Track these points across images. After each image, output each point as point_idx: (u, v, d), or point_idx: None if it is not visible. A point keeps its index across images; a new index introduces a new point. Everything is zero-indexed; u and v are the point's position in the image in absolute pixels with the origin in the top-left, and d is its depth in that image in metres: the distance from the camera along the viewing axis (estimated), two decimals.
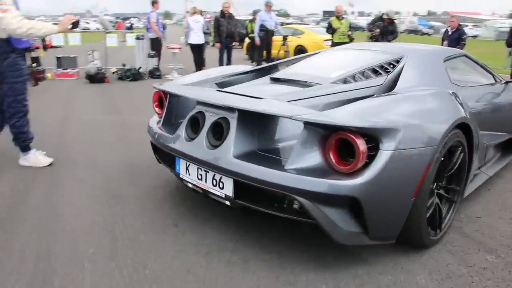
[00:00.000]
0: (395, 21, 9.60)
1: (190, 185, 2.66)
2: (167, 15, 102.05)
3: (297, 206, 2.19)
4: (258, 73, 3.70)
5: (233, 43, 10.65)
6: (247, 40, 14.72)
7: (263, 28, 10.46)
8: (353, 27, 10.65)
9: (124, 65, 10.25)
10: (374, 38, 9.10)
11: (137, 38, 10.54)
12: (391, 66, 3.12)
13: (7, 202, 3.09)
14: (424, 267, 2.37)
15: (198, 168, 2.53)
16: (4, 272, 2.23)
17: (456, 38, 8.85)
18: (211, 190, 2.48)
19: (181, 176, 2.71)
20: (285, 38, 11.56)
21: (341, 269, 2.33)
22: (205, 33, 10.28)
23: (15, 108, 3.66)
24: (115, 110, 6.51)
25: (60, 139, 4.77)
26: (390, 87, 2.85)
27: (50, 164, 3.86)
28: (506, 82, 3.85)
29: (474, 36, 39.07)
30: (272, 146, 2.51)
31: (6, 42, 3.48)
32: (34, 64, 8.90)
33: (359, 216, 2.14)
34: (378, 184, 2.06)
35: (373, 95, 2.72)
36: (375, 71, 3.09)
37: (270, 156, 2.39)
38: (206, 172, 2.48)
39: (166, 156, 2.88)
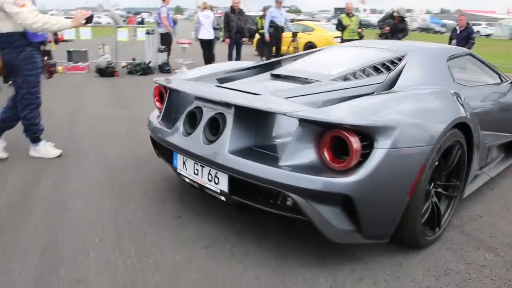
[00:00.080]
0: (405, 19, 9.56)
1: (187, 180, 2.68)
2: (178, 10, 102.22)
3: (290, 203, 2.19)
4: (261, 69, 3.69)
5: (243, 39, 10.68)
6: (257, 36, 14.72)
7: (273, 24, 10.46)
8: (364, 25, 10.64)
9: (134, 59, 10.35)
10: (384, 36, 9.08)
11: (147, 32, 10.62)
12: (393, 64, 3.09)
13: (18, 191, 3.17)
14: (422, 263, 2.40)
15: (194, 163, 2.55)
16: (11, 259, 2.30)
17: (464, 37, 8.75)
18: (207, 185, 2.49)
19: (178, 170, 2.73)
20: (294, 34, 11.57)
21: (339, 263, 2.37)
22: (215, 29, 10.31)
23: (28, 100, 3.74)
24: (124, 104, 6.59)
25: (70, 131, 4.86)
26: (391, 85, 2.84)
27: (59, 156, 3.94)
28: None
29: (488, 35, 38.60)
30: (268, 142, 2.51)
31: (22, 36, 3.57)
32: (46, 58, 9.02)
33: (352, 214, 2.14)
34: (372, 182, 2.05)
35: (373, 93, 2.72)
36: (376, 69, 3.07)
37: (266, 152, 2.38)
38: (202, 167, 2.50)
39: (165, 151, 2.91)
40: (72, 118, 5.54)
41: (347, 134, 2.01)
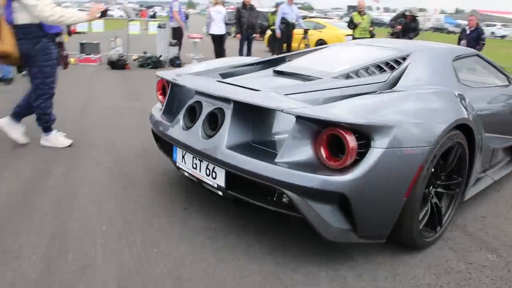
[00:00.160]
0: (417, 18, 9.50)
1: (186, 174, 2.70)
2: (191, 5, 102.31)
3: (286, 200, 2.19)
4: (265, 65, 3.67)
5: (254, 35, 10.69)
6: (268, 32, 14.74)
7: (284, 20, 10.46)
8: (377, 23, 10.63)
9: (145, 52, 10.42)
10: (395, 35, 9.04)
11: (159, 26, 10.68)
12: (397, 63, 3.05)
13: (29, 180, 3.24)
14: (423, 261, 2.42)
15: (193, 157, 2.57)
16: (21, 244, 2.37)
17: (475, 37, 8.64)
18: (205, 180, 2.50)
19: (177, 164, 2.75)
20: (305, 31, 11.55)
21: (340, 259, 2.40)
22: (226, 24, 10.34)
23: (42, 90, 3.82)
24: (135, 96, 6.65)
25: (81, 122, 4.93)
26: (394, 85, 2.81)
27: (70, 146, 4.02)
28: None
29: (503, 36, 38.14)
30: (266, 138, 2.50)
31: (39, 27, 3.65)
32: (58, 49, 9.11)
33: (348, 213, 2.13)
34: (367, 181, 2.04)
35: (375, 91, 2.69)
36: (379, 68, 3.04)
37: (263, 148, 2.38)
38: (201, 161, 2.51)
39: (165, 144, 2.93)
40: (83, 109, 5.62)
41: (343, 133, 2.01)
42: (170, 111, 3.08)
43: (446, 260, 2.45)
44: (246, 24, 10.13)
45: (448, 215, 2.71)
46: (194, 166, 2.58)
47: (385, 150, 2.06)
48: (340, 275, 2.25)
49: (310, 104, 2.31)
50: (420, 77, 2.88)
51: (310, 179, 2.04)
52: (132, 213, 2.79)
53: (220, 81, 2.92)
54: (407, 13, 9.22)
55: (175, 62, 10.05)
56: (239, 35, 10.33)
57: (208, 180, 2.48)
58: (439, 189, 2.64)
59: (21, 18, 3.58)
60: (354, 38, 9.69)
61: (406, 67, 2.95)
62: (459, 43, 8.84)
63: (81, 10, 3.95)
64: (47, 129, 4.00)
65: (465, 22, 8.93)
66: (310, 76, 3.00)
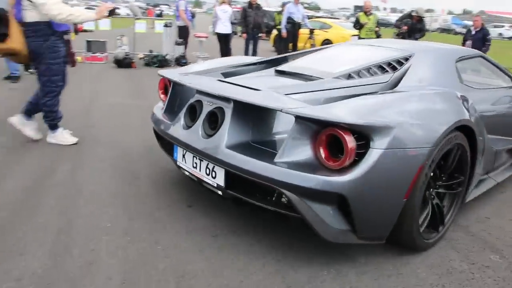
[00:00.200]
0: (424, 19, 9.47)
1: (186, 173, 2.70)
2: (197, 4, 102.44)
3: (285, 200, 2.18)
4: (267, 65, 3.67)
5: (260, 34, 10.69)
6: (274, 32, 14.74)
7: (290, 20, 10.46)
8: (384, 24, 10.61)
9: (151, 51, 10.46)
10: (401, 35, 9.02)
11: (165, 25, 10.70)
12: (400, 63, 3.03)
13: (35, 176, 3.28)
14: (426, 261, 2.43)
15: (193, 157, 2.57)
16: (28, 240, 2.40)
17: (480, 38, 8.57)
18: (205, 179, 2.51)
19: (178, 163, 2.76)
20: (311, 31, 11.55)
21: (342, 258, 2.41)
22: (232, 23, 10.36)
23: (49, 88, 3.86)
24: (141, 95, 6.69)
25: (87, 120, 4.97)
26: (396, 85, 2.79)
27: (76, 143, 4.05)
28: None
29: (511, 37, 37.88)
30: (266, 138, 2.49)
31: (47, 25, 3.69)
32: (66, 47, 9.17)
33: (347, 214, 2.12)
34: (366, 182, 2.03)
35: (376, 92, 2.68)
36: (381, 68, 3.01)
37: (263, 148, 2.37)
38: (201, 160, 2.51)
39: (167, 143, 2.93)
40: (89, 107, 5.66)
41: (342, 133, 2.00)
42: (171, 110, 3.09)
43: (448, 260, 2.46)
44: (252, 24, 10.14)
45: (449, 216, 2.70)
46: (194, 165, 2.58)
47: (384, 151, 2.05)
48: (342, 274, 2.26)
49: (310, 104, 2.30)
50: (422, 78, 2.86)
51: (309, 179, 2.03)
52: (137, 210, 2.81)
53: (221, 80, 2.91)
54: (413, 14, 9.20)
55: (181, 61, 10.08)
56: (245, 35, 10.34)
57: (208, 179, 2.49)
58: (441, 190, 2.63)
59: (30, 16, 3.63)
60: (359, 39, 9.68)
61: (408, 68, 2.93)
62: (464, 44, 8.78)
63: (88, 8, 3.98)
64: (53, 126, 4.03)
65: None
66: (311, 76, 2.98)
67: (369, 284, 2.20)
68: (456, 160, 2.58)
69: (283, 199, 2.22)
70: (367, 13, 9.86)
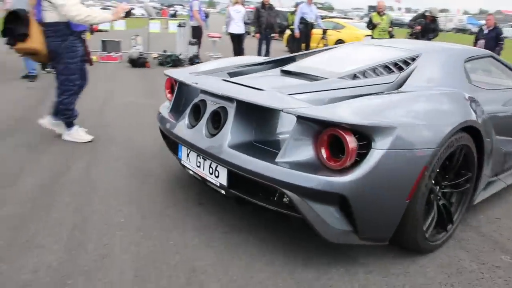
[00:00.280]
0: (437, 19, 9.40)
1: (190, 172, 2.73)
2: (211, 4, 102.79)
3: (287, 200, 2.19)
4: (274, 65, 3.66)
5: (273, 34, 10.71)
6: (287, 32, 14.75)
7: (303, 20, 10.47)
8: (398, 24, 10.55)
9: (165, 51, 10.55)
10: (414, 36, 8.96)
11: (179, 25, 10.80)
12: (406, 64, 3.00)
13: (50, 174, 3.36)
14: (435, 260, 2.44)
15: (197, 156, 2.59)
16: (44, 234, 2.47)
17: (493, 37, 8.41)
18: (208, 178, 2.52)
19: (182, 162, 2.79)
20: (324, 31, 11.53)
21: (351, 255, 2.43)
22: (246, 23, 10.40)
23: (66, 86, 3.96)
24: (155, 94, 6.76)
25: (102, 119, 5.06)
26: (401, 85, 2.76)
27: (91, 141, 4.13)
28: None
29: None
30: (269, 138, 2.49)
31: (66, 26, 3.80)
32: (84, 46, 9.32)
33: (348, 215, 2.11)
34: (368, 183, 2.02)
35: (382, 92, 2.66)
36: (387, 68, 2.99)
37: (265, 148, 2.37)
38: (204, 160, 2.53)
39: (172, 142, 2.96)
40: (103, 106, 5.75)
41: (343, 133, 2.00)
42: (177, 110, 3.11)
43: (458, 260, 2.46)
44: (265, 24, 10.16)
45: (457, 214, 2.67)
46: (198, 164, 2.60)
47: (386, 152, 2.04)
48: (351, 271, 2.29)
49: (314, 105, 2.30)
50: (429, 78, 2.83)
51: (310, 180, 2.03)
52: (149, 207, 2.87)
53: (225, 80, 2.90)
54: (427, 14, 9.13)
55: (195, 61, 10.15)
56: (258, 35, 10.37)
57: (211, 178, 2.50)
58: (447, 189, 2.61)
59: (50, 16, 3.73)
60: (373, 39, 9.64)
61: (414, 68, 2.91)
62: (475, 44, 8.65)
63: (103, 8, 4.07)
64: (69, 124, 4.12)
65: None
66: (316, 76, 2.97)
67: (377, 282, 2.22)
68: (461, 161, 2.55)
69: (284, 199, 2.22)
70: (380, 13, 9.82)
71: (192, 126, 2.68)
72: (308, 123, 2.13)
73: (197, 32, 10.56)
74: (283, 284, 2.16)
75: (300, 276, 2.22)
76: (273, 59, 3.82)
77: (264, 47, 10.43)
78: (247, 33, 11.05)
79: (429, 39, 8.55)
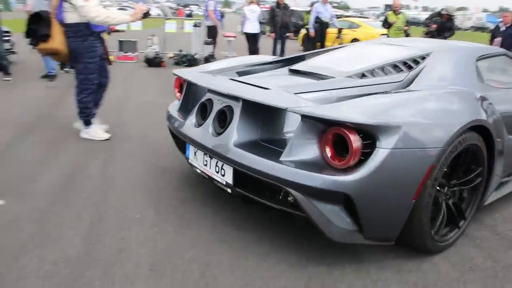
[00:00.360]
0: (453, 17, 9.28)
1: (198, 171, 2.75)
2: (226, 4, 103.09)
3: (292, 199, 2.18)
4: (284, 64, 3.63)
5: (288, 34, 10.73)
6: (303, 31, 14.73)
7: (318, 20, 10.46)
8: (414, 22, 10.47)
9: (180, 50, 10.66)
10: (430, 34, 8.87)
11: (195, 25, 10.91)
12: (416, 62, 2.96)
13: (69, 170, 3.44)
14: (448, 258, 2.44)
15: (204, 154, 2.61)
16: (63, 228, 2.55)
17: (510, 34, 8.18)
18: (214, 177, 2.54)
19: (189, 161, 2.82)
20: (339, 30, 11.49)
21: (364, 252, 2.45)
22: (261, 23, 10.43)
23: (85, 85, 4.06)
24: (170, 93, 6.81)
25: (118, 117, 5.15)
26: (410, 84, 2.72)
27: (108, 139, 4.21)
28: None
29: None
30: (275, 137, 2.49)
31: (86, 26, 3.90)
32: (103, 46, 9.49)
33: (353, 214, 2.10)
34: (373, 182, 2.00)
35: (389, 91, 2.61)
36: (396, 67, 2.95)
37: (271, 147, 2.37)
38: (211, 158, 2.55)
39: (181, 141, 2.97)
40: (120, 104, 5.85)
41: (347, 132, 1.99)
42: (185, 109, 3.13)
43: (471, 258, 2.46)
44: (280, 23, 10.17)
45: (469, 211, 2.64)
46: (205, 163, 2.62)
47: (391, 151, 2.02)
48: (364, 267, 2.31)
49: (320, 104, 2.29)
50: (438, 77, 2.79)
51: (314, 179, 2.03)
52: (165, 203, 2.93)
53: (232, 79, 2.89)
54: (443, 12, 9.03)
55: (210, 60, 10.21)
56: (273, 34, 10.40)
57: (218, 177, 2.52)
58: (456, 188, 2.57)
59: (71, 17, 3.84)
60: (388, 38, 9.59)
61: (424, 67, 2.86)
62: (492, 41, 8.47)
63: (120, 9, 4.16)
64: (87, 122, 4.22)
65: None
66: (324, 75, 2.95)
67: (390, 277, 2.23)
68: (470, 160, 2.51)
69: (289, 198, 2.22)
70: (396, 12, 9.76)
71: (199, 125, 2.71)
72: (312, 122, 2.13)
73: (212, 32, 10.64)
74: (295, 277, 2.19)
75: (314, 271, 2.25)
76: (283, 58, 3.81)
77: (279, 46, 10.45)
78: (262, 32, 11.09)
79: (445, 38, 8.46)
